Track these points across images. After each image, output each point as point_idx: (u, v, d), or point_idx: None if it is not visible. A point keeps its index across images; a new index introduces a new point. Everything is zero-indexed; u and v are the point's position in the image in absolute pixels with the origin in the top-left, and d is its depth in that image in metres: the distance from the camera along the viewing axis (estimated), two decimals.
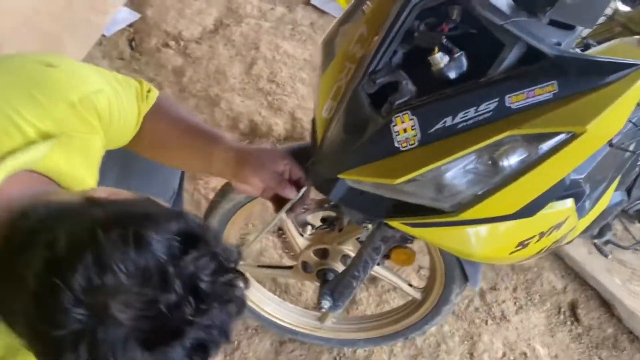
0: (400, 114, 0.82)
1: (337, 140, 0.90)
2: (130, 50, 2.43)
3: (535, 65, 0.75)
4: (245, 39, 2.44)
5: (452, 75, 0.81)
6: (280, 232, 1.37)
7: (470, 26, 0.82)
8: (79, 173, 0.76)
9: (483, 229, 0.90)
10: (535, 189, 0.81)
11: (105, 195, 0.62)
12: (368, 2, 0.95)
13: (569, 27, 0.82)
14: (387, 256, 1.28)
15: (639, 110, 1.00)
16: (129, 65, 2.35)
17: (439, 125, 0.80)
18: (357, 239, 1.30)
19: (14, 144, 0.68)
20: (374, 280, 1.73)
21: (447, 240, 0.93)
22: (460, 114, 0.79)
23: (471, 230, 0.90)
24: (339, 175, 0.90)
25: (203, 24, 2.52)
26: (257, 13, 2.59)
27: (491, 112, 0.77)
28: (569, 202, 0.94)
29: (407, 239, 1.14)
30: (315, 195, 1.34)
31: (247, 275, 0.62)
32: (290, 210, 0.98)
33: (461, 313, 1.72)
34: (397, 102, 0.82)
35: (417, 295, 1.39)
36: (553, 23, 0.81)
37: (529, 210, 0.83)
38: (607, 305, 1.77)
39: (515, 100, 0.76)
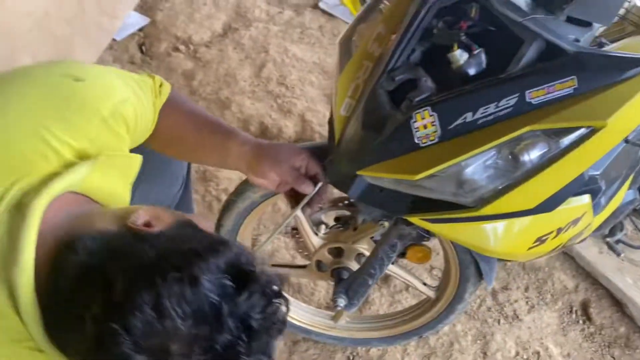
0: (420, 111, 0.83)
1: (356, 137, 0.91)
2: (140, 54, 2.45)
3: (554, 61, 0.76)
4: (254, 42, 2.45)
5: (472, 71, 0.82)
6: (294, 231, 1.38)
7: (488, 23, 0.83)
8: (117, 190, 0.77)
9: (502, 224, 0.90)
10: (555, 184, 0.82)
11: (147, 218, 0.64)
12: (385, 1, 0.96)
13: (586, 25, 0.84)
14: (401, 255, 1.28)
15: None
16: (139, 69, 2.37)
17: (459, 121, 0.81)
18: (371, 237, 1.30)
19: (52, 167, 0.68)
20: (386, 280, 1.74)
21: (467, 236, 0.94)
22: (481, 110, 0.80)
23: (490, 225, 0.91)
24: (358, 172, 0.91)
25: (212, 28, 2.53)
26: (265, 17, 2.61)
27: (511, 108, 0.78)
28: (586, 198, 0.95)
29: (423, 236, 1.15)
30: (329, 194, 1.35)
31: (287, 296, 0.64)
32: (307, 205, 0.99)
33: (473, 313, 1.72)
34: (417, 99, 0.84)
35: (431, 294, 1.40)
36: (570, 20, 0.83)
37: (549, 205, 0.84)
38: (618, 304, 1.77)
39: (535, 95, 0.77)
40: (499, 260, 1.26)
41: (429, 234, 1.13)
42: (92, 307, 0.55)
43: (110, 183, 0.75)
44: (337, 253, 1.33)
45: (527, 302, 1.77)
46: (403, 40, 0.87)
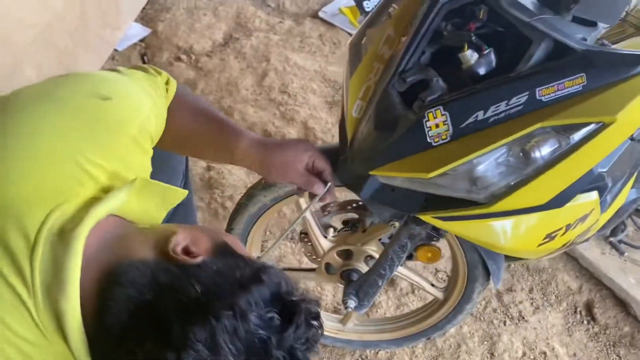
0: (432, 110, 0.85)
1: (368, 138, 0.93)
2: (143, 64, 2.47)
3: (563, 59, 0.78)
4: (255, 51, 2.48)
5: (482, 71, 0.84)
6: (302, 235, 1.39)
7: (496, 24, 0.86)
8: (150, 212, 0.77)
9: (513, 221, 0.92)
10: (566, 179, 0.84)
11: (186, 243, 0.66)
12: (394, 5, 0.98)
13: (591, 24, 0.86)
14: (409, 257, 1.30)
15: None
16: None
17: (470, 120, 0.83)
18: (379, 240, 1.32)
19: (88, 191, 0.69)
20: (392, 283, 1.75)
21: (478, 233, 0.95)
22: (492, 108, 0.82)
23: (502, 222, 0.92)
24: (371, 172, 0.93)
25: (213, 37, 2.56)
26: (265, 26, 2.64)
27: (522, 105, 0.80)
28: (594, 195, 0.97)
29: (433, 236, 1.16)
30: (337, 197, 1.36)
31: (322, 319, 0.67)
32: (322, 199, 1.00)
33: (479, 314, 1.73)
34: (429, 99, 0.86)
35: (439, 295, 1.41)
36: (575, 20, 0.85)
37: (559, 200, 0.86)
38: (622, 304, 1.79)
39: (545, 93, 0.79)
40: (508, 260, 1.28)
41: (439, 234, 1.15)
42: (144, 343, 0.57)
43: (146, 206, 0.75)
44: (346, 255, 1.34)
45: (532, 303, 1.78)
46: (413, 42, 0.89)
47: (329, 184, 0.99)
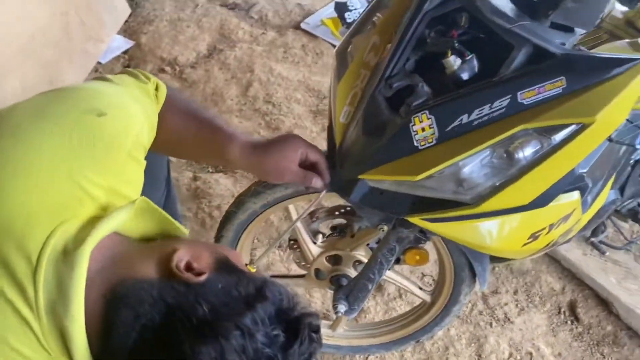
0: (418, 114, 0.87)
1: (356, 143, 0.95)
2: None
3: (543, 63, 0.81)
4: (239, 62, 2.50)
5: (465, 76, 0.87)
6: (292, 242, 1.40)
7: (478, 31, 0.89)
8: (148, 234, 0.77)
9: (499, 221, 0.95)
10: (548, 179, 0.87)
11: (188, 259, 0.67)
12: (378, 14, 1.01)
13: (569, 30, 0.90)
14: (397, 261, 1.32)
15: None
16: None
17: (455, 123, 0.86)
18: (368, 245, 1.34)
19: (87, 210, 0.69)
20: (380, 288, 1.77)
21: (465, 234, 0.98)
22: (476, 112, 0.84)
23: (487, 223, 0.95)
24: (360, 176, 0.95)
25: (197, 49, 2.58)
26: (249, 38, 2.66)
27: (504, 109, 0.83)
28: (576, 195, 1.00)
29: (420, 239, 1.18)
30: (325, 203, 1.38)
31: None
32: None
33: (466, 317, 1.76)
34: (414, 104, 0.88)
35: (427, 298, 1.43)
36: (553, 26, 0.89)
37: (543, 200, 0.89)
38: (604, 303, 1.83)
39: (527, 96, 0.82)
40: (493, 261, 1.31)
41: (426, 237, 1.17)
42: None
43: (143, 227, 0.76)
44: (335, 261, 1.36)
45: (517, 305, 1.81)
46: (398, 50, 0.91)
47: (324, 191, 1.00)
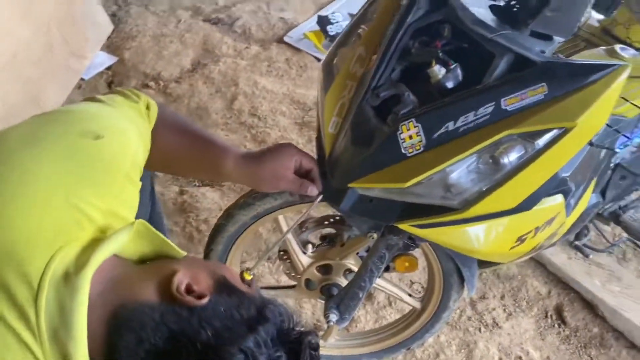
0: (405, 122, 0.89)
1: (345, 152, 0.97)
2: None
3: (525, 71, 0.84)
4: (223, 76, 2.51)
5: (450, 85, 0.89)
6: (281, 253, 1.41)
7: (461, 41, 0.91)
8: (148, 254, 0.78)
9: (486, 225, 0.97)
10: (533, 183, 0.89)
11: (188, 281, 0.68)
12: (363, 26, 1.03)
13: (548, 38, 0.93)
14: (387, 269, 1.33)
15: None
16: None
17: (442, 130, 0.88)
18: (357, 253, 1.35)
19: (86, 233, 0.69)
20: (370, 297, 1.78)
21: (454, 239, 0.99)
22: (461, 119, 0.87)
23: (475, 227, 0.97)
24: (350, 185, 0.96)
25: (181, 64, 2.59)
26: (232, 52, 2.68)
27: (489, 115, 0.85)
28: (559, 198, 1.02)
29: (409, 246, 1.20)
30: (314, 213, 1.39)
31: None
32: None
33: (455, 323, 1.78)
34: (401, 112, 0.90)
35: (417, 305, 1.45)
36: (533, 35, 0.92)
37: (528, 203, 0.91)
38: (590, 306, 1.86)
39: (510, 102, 0.84)
40: (481, 266, 1.33)
41: (415, 243, 1.19)
42: None
43: (140, 249, 0.76)
44: (326, 270, 1.37)
45: (504, 310, 1.84)
46: (383, 60, 0.94)
47: (318, 199, 1.00)
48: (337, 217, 1.36)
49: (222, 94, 2.43)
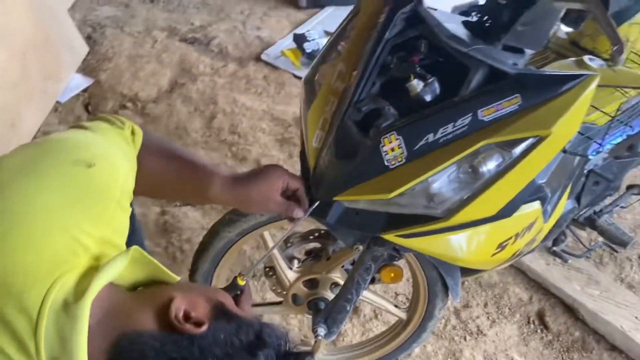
0: (387, 135, 0.91)
1: (329, 166, 0.99)
2: (87, 114, 2.46)
3: (499, 83, 0.87)
4: (202, 95, 2.52)
5: (428, 98, 0.92)
6: (267, 270, 1.42)
7: (437, 55, 0.95)
8: (142, 280, 0.78)
9: (468, 233, 0.99)
10: (511, 190, 0.92)
11: (185, 307, 0.69)
12: (342, 43, 1.06)
13: (519, 51, 0.97)
14: (372, 281, 1.35)
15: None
16: None
17: (422, 142, 0.90)
18: (343, 267, 1.37)
19: (82, 261, 0.69)
20: (356, 310, 1.79)
21: (438, 247, 1.02)
22: (440, 130, 0.89)
23: (458, 235, 0.99)
24: (335, 198, 0.98)
25: (158, 84, 2.59)
26: (210, 71, 2.69)
27: (467, 126, 0.88)
28: (537, 204, 1.06)
29: (394, 257, 1.22)
30: (299, 228, 1.40)
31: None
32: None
33: (440, 333, 1.79)
34: (383, 125, 0.92)
35: (403, 315, 1.46)
36: (505, 48, 0.95)
37: (508, 210, 0.94)
38: (571, 310, 1.90)
39: (486, 113, 0.87)
40: (464, 274, 1.35)
41: (400, 254, 1.21)
42: None
43: (134, 276, 0.77)
44: (312, 285, 1.38)
45: (488, 317, 1.86)
46: (364, 76, 0.96)
47: (304, 215, 1.01)
48: (322, 232, 1.37)
49: (200, 113, 2.44)
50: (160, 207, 2.07)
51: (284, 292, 1.40)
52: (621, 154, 1.44)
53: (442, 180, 0.91)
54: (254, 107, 2.45)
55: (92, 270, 0.68)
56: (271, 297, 1.73)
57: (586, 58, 1.15)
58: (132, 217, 1.26)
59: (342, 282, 1.31)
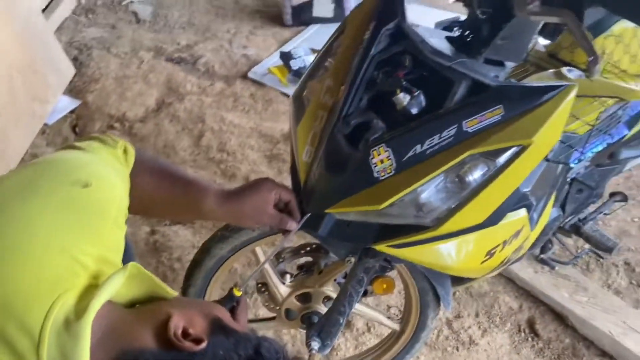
0: (376, 147, 0.94)
1: (320, 179, 1.01)
2: (74, 135, 2.46)
3: (482, 95, 0.91)
4: (189, 114, 2.54)
5: (415, 110, 0.95)
6: (260, 286, 1.42)
7: (422, 69, 0.98)
8: (139, 296, 0.79)
9: (457, 241, 1.01)
10: (497, 198, 0.95)
11: (184, 324, 0.70)
12: (330, 59, 1.09)
13: (500, 64, 1.00)
14: (364, 293, 1.36)
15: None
16: None
17: (410, 153, 0.93)
18: (335, 280, 1.38)
19: (81, 279, 0.70)
20: (348, 324, 1.80)
21: (428, 257, 1.04)
22: (427, 142, 0.92)
23: (448, 244, 1.01)
24: (327, 211, 1.00)
25: (146, 104, 2.60)
26: (197, 89, 2.72)
27: (452, 137, 0.91)
28: (523, 212, 1.08)
29: (386, 268, 1.24)
30: (290, 243, 1.42)
31: None
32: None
33: (433, 343, 1.81)
34: (372, 138, 0.95)
35: (396, 327, 1.48)
36: (487, 61, 0.99)
37: (495, 218, 0.97)
38: (560, 317, 1.92)
39: (470, 124, 0.90)
40: (454, 284, 1.37)
41: (391, 265, 1.23)
42: None
43: (131, 292, 0.77)
44: (305, 299, 1.39)
45: (479, 327, 1.88)
46: (352, 90, 0.99)
47: (295, 228, 1.03)
48: (314, 246, 1.39)
49: (189, 131, 2.45)
50: (150, 227, 2.06)
51: (277, 308, 1.41)
52: (602, 161, 1.48)
53: (430, 190, 0.94)
54: (242, 125, 2.47)
55: (92, 288, 0.69)
56: (264, 313, 1.73)
57: (564, 70, 1.19)
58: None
59: (334, 296, 1.32)
